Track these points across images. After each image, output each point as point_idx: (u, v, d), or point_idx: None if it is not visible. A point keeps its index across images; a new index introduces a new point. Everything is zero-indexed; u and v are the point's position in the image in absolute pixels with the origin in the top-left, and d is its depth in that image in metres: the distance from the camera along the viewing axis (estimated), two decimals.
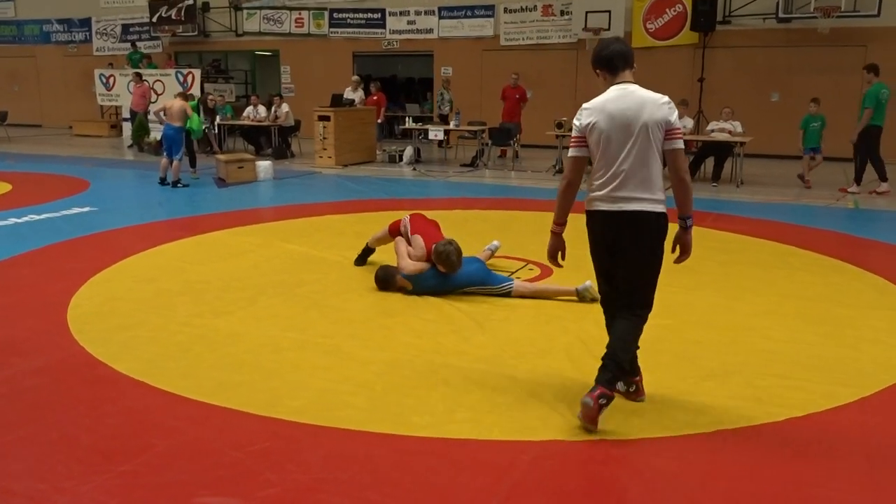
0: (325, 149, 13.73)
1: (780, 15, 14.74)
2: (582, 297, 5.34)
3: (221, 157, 12.21)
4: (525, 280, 5.83)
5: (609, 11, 15.80)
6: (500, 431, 3.36)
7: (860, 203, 9.99)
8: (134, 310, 5.11)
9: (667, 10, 15.98)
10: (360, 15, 19.22)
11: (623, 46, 3.54)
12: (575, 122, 3.52)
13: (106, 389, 3.83)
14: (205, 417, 3.51)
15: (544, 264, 6.37)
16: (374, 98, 16.00)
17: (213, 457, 3.12)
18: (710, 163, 12.04)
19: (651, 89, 3.47)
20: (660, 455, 3.20)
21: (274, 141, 15.24)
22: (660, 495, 2.89)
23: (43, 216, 8.49)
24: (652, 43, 16.03)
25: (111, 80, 18.81)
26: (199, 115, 12.96)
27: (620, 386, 3.74)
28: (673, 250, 3.53)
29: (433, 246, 5.51)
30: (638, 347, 3.60)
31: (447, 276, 5.47)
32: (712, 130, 12.06)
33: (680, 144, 3.41)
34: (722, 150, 11.85)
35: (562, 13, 16.94)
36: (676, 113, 3.45)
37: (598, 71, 3.57)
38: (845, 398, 3.73)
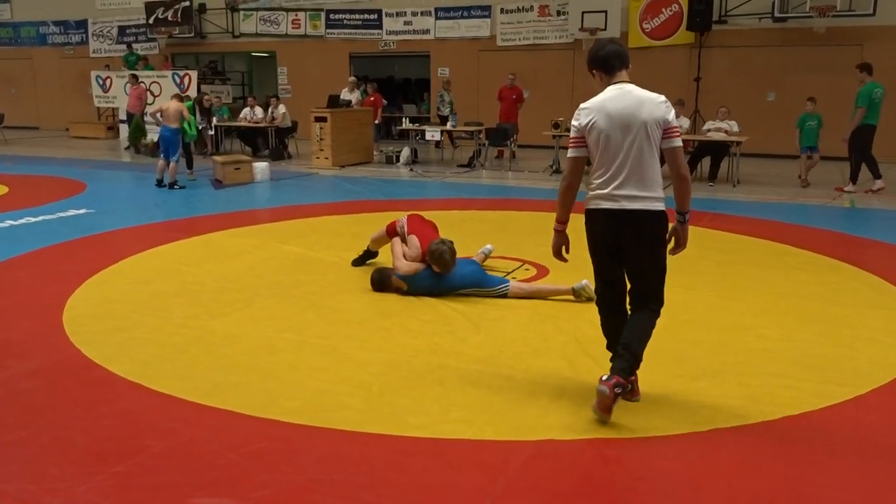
0: (321, 150, 13.73)
1: (776, 14, 14.77)
2: (578, 295, 5.35)
3: (218, 158, 12.21)
4: (521, 280, 5.84)
5: (605, 11, 15.82)
6: (495, 431, 3.36)
7: (856, 202, 10.01)
8: (130, 311, 5.11)
9: (663, 9, 16.00)
10: (357, 16, 19.23)
11: (618, 47, 3.57)
12: (573, 122, 3.53)
13: (101, 391, 3.83)
14: (200, 419, 3.51)
15: (540, 264, 6.40)
16: (371, 99, 16.00)
17: (208, 458, 3.12)
18: (706, 162, 12.06)
19: (647, 89, 3.49)
20: (654, 454, 3.21)
21: (271, 142, 15.24)
22: (654, 495, 2.90)
23: (39, 218, 8.48)
24: (648, 43, 16.06)
25: (108, 81, 18.80)
26: (194, 115, 12.96)
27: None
28: (668, 241, 3.56)
29: (428, 246, 5.52)
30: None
31: (442, 276, 5.48)
32: (709, 130, 12.08)
33: (679, 143, 3.45)
34: (718, 150, 11.87)
35: (558, 13, 16.95)
36: (673, 112, 3.49)
37: (593, 71, 3.59)
38: (840, 397, 3.74)
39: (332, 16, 19.51)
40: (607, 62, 3.52)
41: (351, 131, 14.21)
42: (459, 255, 5.57)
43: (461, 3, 18.04)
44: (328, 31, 19.62)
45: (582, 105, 3.52)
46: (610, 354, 3.75)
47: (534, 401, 3.69)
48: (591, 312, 4.83)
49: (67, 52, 23.48)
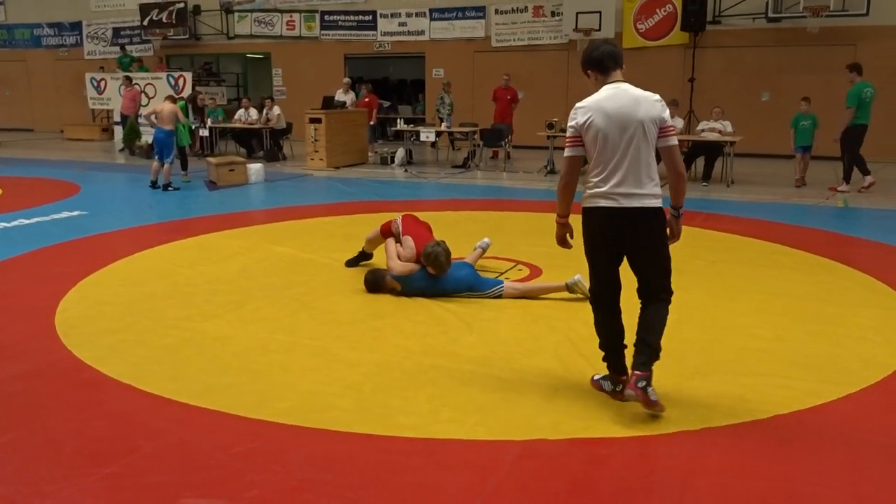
0: (316, 151, 13.73)
1: (770, 14, 14.81)
2: (571, 290, 5.35)
3: (212, 160, 12.20)
4: (514, 280, 5.84)
5: (600, 12, 15.85)
6: (485, 431, 3.36)
7: (849, 201, 10.03)
8: (122, 313, 5.11)
9: (657, 10, 16.04)
10: (352, 17, 19.24)
11: (612, 47, 3.62)
12: (570, 121, 3.55)
13: (93, 393, 3.83)
14: (191, 419, 3.51)
15: (534, 264, 6.41)
16: (366, 100, 16.00)
17: (199, 458, 3.12)
18: (700, 162, 12.08)
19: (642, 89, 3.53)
20: (644, 453, 3.22)
21: (265, 143, 15.23)
22: (644, 493, 2.90)
23: (33, 220, 8.47)
24: (642, 43, 16.09)
25: (102, 83, 18.77)
26: (187, 114, 12.93)
27: (607, 385, 3.77)
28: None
29: (423, 247, 5.52)
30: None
31: (436, 278, 5.48)
32: (702, 130, 12.10)
33: (675, 141, 3.53)
34: (712, 150, 11.88)
35: (552, 14, 16.98)
36: (668, 110, 3.54)
37: (588, 72, 3.63)
38: (830, 395, 3.75)
39: (326, 17, 19.51)
40: (602, 62, 3.56)
41: (345, 132, 14.21)
42: (454, 256, 5.57)
43: (456, 3, 18.06)
44: (323, 32, 19.62)
45: (578, 104, 3.54)
46: (602, 354, 3.77)
47: (525, 401, 3.70)
48: (584, 312, 4.83)
49: (62, 54, 23.45)
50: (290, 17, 19.92)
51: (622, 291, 3.72)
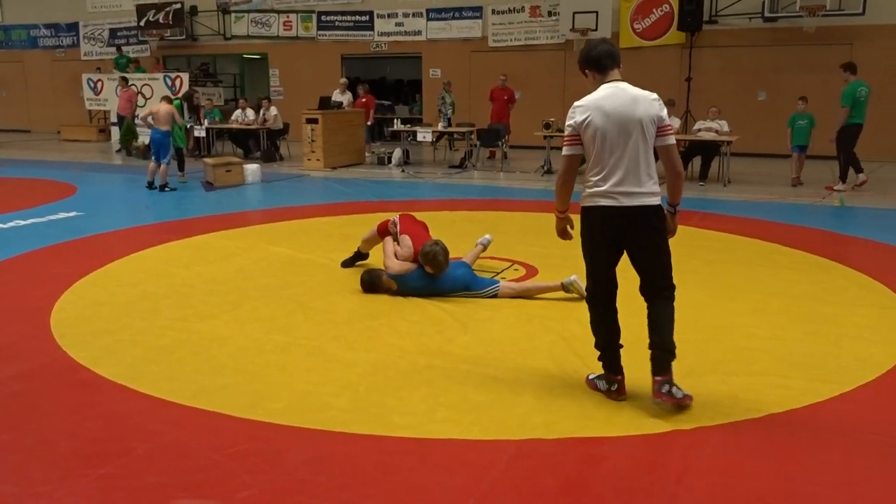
0: (313, 151, 13.72)
1: (766, 14, 14.82)
2: (566, 290, 5.35)
3: (209, 160, 12.19)
4: (510, 280, 5.84)
5: (596, 12, 15.84)
6: (480, 431, 3.36)
7: (846, 201, 10.04)
8: (117, 314, 5.10)
9: (654, 10, 16.04)
10: (348, 17, 19.23)
11: (610, 46, 3.64)
12: (568, 120, 3.56)
13: (87, 394, 3.82)
14: (186, 420, 3.50)
15: (530, 264, 6.41)
16: (363, 100, 16.00)
17: (193, 459, 3.11)
18: (697, 162, 12.08)
19: None
20: (639, 453, 3.22)
21: (262, 144, 15.22)
22: (639, 493, 2.90)
23: (28, 221, 8.46)
24: (639, 43, 16.09)
25: (99, 84, 18.75)
26: (183, 113, 12.91)
27: (602, 385, 3.77)
28: None
29: (420, 247, 5.52)
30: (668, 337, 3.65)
31: (433, 278, 5.47)
32: (699, 130, 12.10)
33: (673, 140, 3.56)
34: (709, 150, 11.89)
35: (549, 14, 16.97)
36: (666, 109, 3.56)
37: (586, 71, 3.64)
38: (825, 394, 3.75)
39: (323, 17, 19.50)
40: (599, 62, 3.57)
41: (342, 133, 14.20)
42: (451, 256, 5.57)
43: (452, 3, 18.05)
44: (320, 32, 19.61)
45: (576, 103, 3.55)
46: (598, 353, 3.77)
47: (520, 400, 3.70)
48: (579, 312, 4.86)
49: (58, 55, 23.42)
50: (287, 17, 19.91)
51: (619, 291, 3.72)
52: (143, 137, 15.21)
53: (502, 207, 9.69)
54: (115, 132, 17.86)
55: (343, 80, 16.55)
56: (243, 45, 20.79)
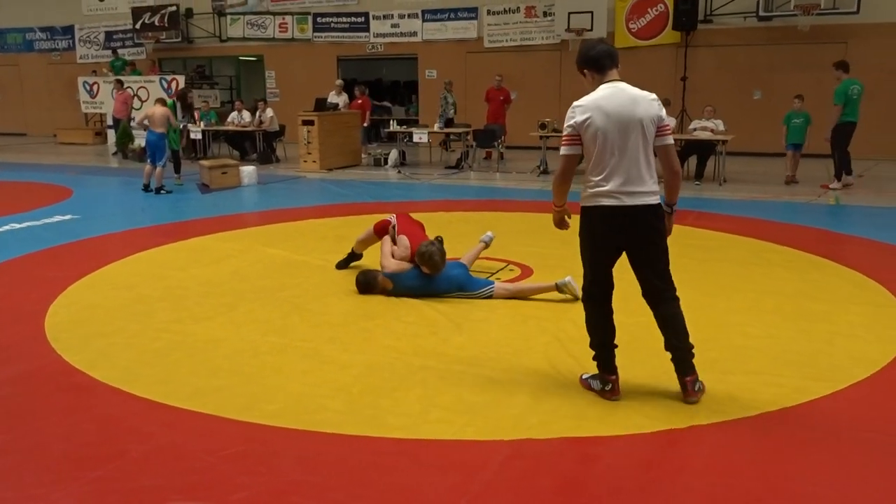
0: (309, 153, 13.73)
1: (761, 13, 14.85)
2: (561, 290, 5.35)
3: (205, 162, 12.19)
4: (505, 281, 5.85)
5: (591, 12, 15.88)
6: (474, 431, 3.37)
7: (841, 199, 10.06)
8: (112, 317, 5.10)
9: (649, 9, 16.07)
10: (344, 19, 19.24)
11: (609, 46, 3.65)
12: (568, 120, 3.56)
13: (81, 397, 3.82)
14: (180, 423, 3.50)
15: (525, 265, 6.42)
16: (359, 102, 16.00)
17: (187, 461, 3.12)
18: (692, 161, 12.10)
19: None
20: (633, 452, 3.23)
21: (259, 146, 15.22)
22: (634, 492, 2.91)
23: (24, 224, 8.45)
24: (634, 43, 16.12)
25: (95, 87, 18.75)
26: (175, 112, 12.89)
27: (596, 384, 3.78)
28: None
29: (417, 247, 5.53)
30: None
31: (429, 277, 5.48)
32: (695, 129, 12.12)
33: (671, 140, 3.60)
34: (704, 149, 11.91)
35: (545, 14, 17.00)
36: (664, 109, 3.59)
37: (584, 71, 3.65)
38: (818, 392, 3.76)
39: (319, 19, 19.51)
40: (598, 61, 3.58)
41: (338, 134, 14.21)
42: (448, 257, 5.58)
43: (448, 4, 18.07)
44: (315, 34, 19.62)
45: (576, 103, 3.55)
46: (593, 353, 3.78)
47: (515, 401, 3.70)
48: (574, 312, 4.87)
49: (54, 58, 23.40)
50: (283, 19, 19.92)
51: (614, 292, 3.73)
52: (139, 140, 15.19)
53: (498, 208, 9.70)
54: (112, 135, 17.85)
55: (339, 81, 16.57)
56: (239, 47, 20.79)
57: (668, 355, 3.73)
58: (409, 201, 10.19)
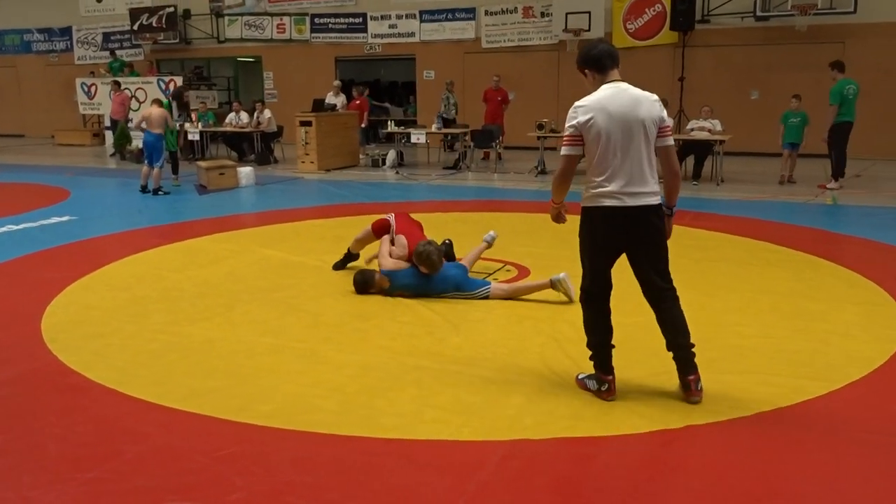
0: (307, 154, 13.72)
1: (758, 13, 14.85)
2: (555, 287, 5.33)
3: (202, 163, 12.18)
4: (502, 281, 5.85)
5: (589, 12, 15.88)
6: (470, 432, 3.37)
7: (838, 199, 10.06)
8: (108, 318, 5.10)
9: (646, 10, 16.08)
10: (342, 20, 19.24)
11: (610, 46, 3.65)
12: (570, 120, 3.55)
13: (77, 398, 3.82)
14: (175, 424, 3.50)
15: (522, 265, 6.42)
16: (357, 103, 16.00)
17: (181, 462, 3.12)
18: (690, 161, 12.09)
19: None
20: (627, 452, 3.23)
21: (257, 147, 15.22)
22: (629, 492, 2.91)
23: (21, 226, 8.45)
24: (632, 43, 16.11)
25: (93, 88, 18.75)
26: (171, 111, 12.86)
27: (592, 384, 3.78)
28: None
29: (415, 247, 5.53)
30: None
31: (426, 277, 5.48)
32: (692, 129, 12.13)
33: (672, 141, 3.62)
34: (702, 149, 11.91)
35: (542, 15, 17.00)
36: (665, 110, 3.61)
37: (585, 71, 3.64)
38: (813, 392, 3.76)
39: (316, 20, 19.51)
40: (600, 61, 3.58)
41: (336, 135, 14.21)
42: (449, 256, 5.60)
43: (446, 5, 18.07)
44: (313, 35, 19.61)
45: (578, 103, 3.54)
46: (590, 353, 3.78)
47: (510, 401, 3.70)
48: (570, 313, 4.88)
49: (52, 60, 23.39)
50: (281, 20, 19.92)
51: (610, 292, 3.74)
52: (137, 141, 15.16)
53: (496, 208, 9.70)
54: (109, 136, 17.85)
55: (337, 82, 16.57)
56: (237, 48, 20.79)
57: (664, 355, 3.74)
58: (406, 202, 10.19)
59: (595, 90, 3.57)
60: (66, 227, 8.47)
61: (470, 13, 17.85)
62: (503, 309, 5.27)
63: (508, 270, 6.31)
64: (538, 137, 13.17)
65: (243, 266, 6.54)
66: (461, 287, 5.51)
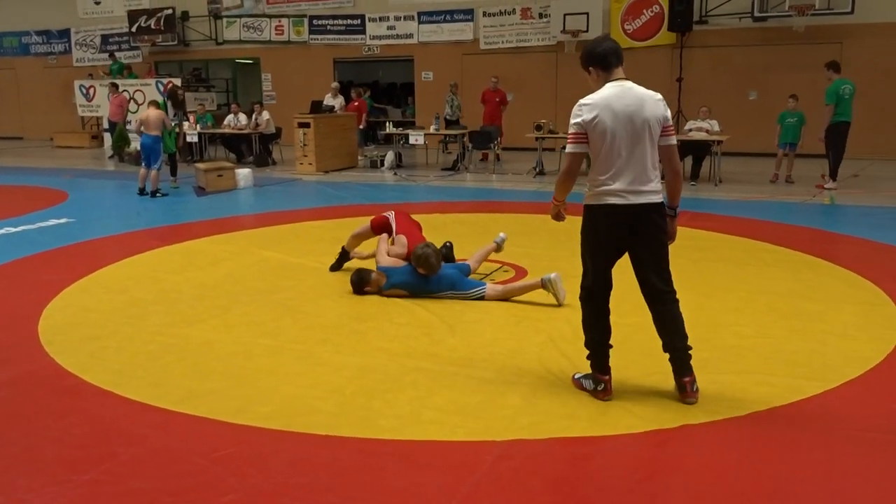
0: (305, 155, 13.73)
1: (756, 14, 14.89)
2: (545, 287, 5.32)
3: (201, 165, 12.19)
4: (498, 282, 5.85)
5: (587, 13, 15.90)
6: (465, 432, 3.37)
7: (836, 198, 10.07)
8: (105, 320, 5.10)
9: (644, 10, 16.09)
10: (340, 21, 19.25)
11: (614, 43, 3.64)
12: (574, 118, 3.54)
13: (73, 400, 3.82)
14: (171, 425, 3.50)
15: (519, 266, 6.43)
16: (356, 104, 16.01)
17: (177, 464, 3.12)
18: (688, 162, 12.09)
19: None
20: (622, 452, 3.23)
21: (255, 148, 15.22)
22: (624, 492, 2.91)
23: (19, 228, 8.45)
24: (630, 44, 16.11)
25: (91, 90, 18.74)
26: (166, 109, 12.84)
27: (588, 384, 3.79)
28: None
29: (413, 250, 5.54)
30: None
31: (422, 277, 5.49)
32: (690, 130, 12.13)
33: (675, 140, 3.62)
34: (700, 149, 11.92)
35: (540, 16, 17.02)
36: (669, 110, 3.61)
37: (590, 68, 3.63)
38: (809, 392, 3.76)
39: (315, 22, 19.52)
40: (605, 59, 3.57)
41: (335, 136, 14.21)
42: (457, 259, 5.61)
43: (444, 6, 18.09)
44: (311, 37, 19.63)
45: (583, 100, 3.53)
46: (587, 352, 3.78)
47: (506, 401, 3.70)
48: (568, 313, 4.89)
49: (51, 62, 23.40)
50: (279, 22, 19.93)
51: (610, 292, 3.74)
52: (135, 143, 15.15)
53: (494, 209, 9.71)
54: (108, 138, 17.85)
55: (335, 83, 16.57)
56: (235, 49, 20.80)
57: (661, 356, 3.74)
58: (405, 203, 10.20)
59: (599, 88, 3.56)
60: (65, 229, 8.47)
61: (468, 14, 17.87)
62: (500, 310, 5.27)
63: (506, 271, 6.32)
64: (536, 138, 13.18)
65: (241, 268, 6.54)
66: (456, 286, 5.52)
